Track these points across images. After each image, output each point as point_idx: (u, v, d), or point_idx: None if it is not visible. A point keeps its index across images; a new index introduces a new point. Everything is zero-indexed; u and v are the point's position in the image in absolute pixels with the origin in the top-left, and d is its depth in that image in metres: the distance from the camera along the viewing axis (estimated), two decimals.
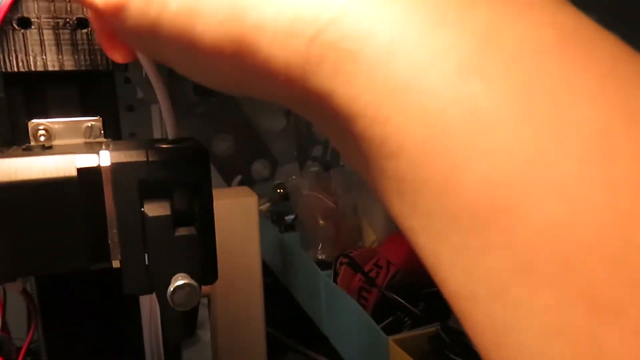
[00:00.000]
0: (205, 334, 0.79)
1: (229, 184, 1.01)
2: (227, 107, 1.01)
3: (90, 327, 0.29)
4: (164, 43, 0.17)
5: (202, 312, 0.81)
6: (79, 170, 0.23)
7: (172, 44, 0.16)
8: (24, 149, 0.25)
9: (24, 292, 0.26)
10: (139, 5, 0.17)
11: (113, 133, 0.29)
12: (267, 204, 0.91)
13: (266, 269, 0.71)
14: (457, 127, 0.11)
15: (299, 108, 0.16)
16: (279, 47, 0.14)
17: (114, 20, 0.18)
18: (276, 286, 0.80)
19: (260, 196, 0.92)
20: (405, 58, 0.12)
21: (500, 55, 0.11)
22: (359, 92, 0.12)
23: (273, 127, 1.06)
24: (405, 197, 0.12)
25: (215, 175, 0.98)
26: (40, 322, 0.27)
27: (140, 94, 0.79)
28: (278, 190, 0.92)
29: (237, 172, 1.04)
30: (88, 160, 0.23)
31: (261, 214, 0.82)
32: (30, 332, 0.26)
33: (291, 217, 0.85)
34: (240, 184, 1.00)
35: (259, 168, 1.03)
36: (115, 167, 0.23)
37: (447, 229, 0.12)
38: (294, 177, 0.81)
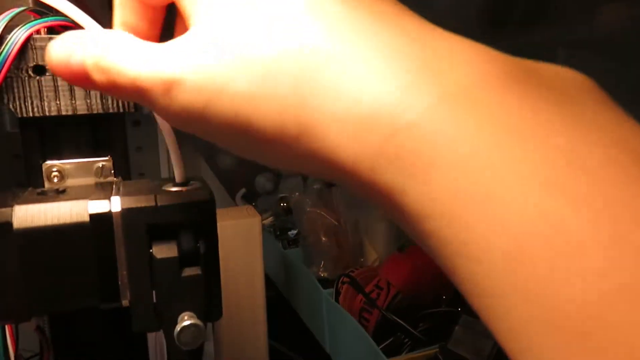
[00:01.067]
0: (209, 347, 0.80)
1: (232, 197, 1.02)
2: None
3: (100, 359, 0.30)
4: (215, 123, 0.16)
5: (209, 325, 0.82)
6: (91, 216, 0.24)
7: (225, 125, 0.16)
8: (39, 193, 0.26)
9: (38, 328, 0.27)
10: (194, 84, 0.16)
11: (123, 172, 0.30)
12: (271, 218, 0.92)
13: (269, 283, 0.72)
14: (543, 243, 0.11)
15: (359, 192, 0.15)
16: (349, 139, 0.14)
17: (157, 97, 0.17)
18: (279, 300, 0.81)
19: (263, 209, 0.93)
20: (488, 169, 0.12)
21: (583, 174, 0.12)
22: (435, 195, 0.13)
23: None
24: (480, 301, 0.13)
25: (219, 188, 1.00)
26: (52, 356, 0.28)
27: (146, 110, 0.80)
28: (281, 204, 0.93)
29: (241, 186, 1.05)
30: (100, 206, 0.24)
31: (264, 228, 0.83)
32: None
33: (294, 232, 0.86)
34: (244, 197, 1.01)
35: (263, 181, 1.04)
36: (126, 212, 0.24)
37: (533, 344, 0.12)
38: (297, 193, 0.82)
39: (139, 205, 0.24)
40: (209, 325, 0.84)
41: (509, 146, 0.12)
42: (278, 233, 0.86)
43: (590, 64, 0.37)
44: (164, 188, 0.26)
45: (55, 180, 0.28)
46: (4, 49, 0.25)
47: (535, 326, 0.11)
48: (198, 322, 0.25)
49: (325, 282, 0.67)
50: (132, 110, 0.29)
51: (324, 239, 0.74)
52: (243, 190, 1.03)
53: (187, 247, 0.25)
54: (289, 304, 0.78)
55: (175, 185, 0.27)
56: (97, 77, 0.18)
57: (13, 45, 0.25)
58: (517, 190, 0.12)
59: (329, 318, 0.63)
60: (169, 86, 0.16)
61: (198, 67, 0.16)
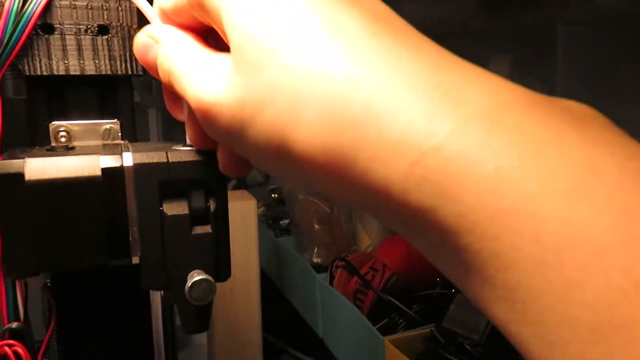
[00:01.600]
0: (200, 337, 0.79)
1: None
2: None
3: (102, 321, 0.30)
4: (252, 148, 0.18)
5: None
6: (103, 170, 0.24)
7: (261, 146, 0.18)
8: (48, 149, 0.26)
9: (45, 286, 0.27)
10: (232, 106, 0.18)
11: (130, 135, 0.30)
12: (262, 208, 0.92)
13: (261, 274, 0.72)
14: (570, 248, 0.12)
15: (391, 217, 0.16)
16: (380, 164, 0.15)
17: (201, 120, 0.19)
18: (271, 290, 0.81)
19: None
20: (514, 184, 0.13)
21: (601, 183, 0.13)
22: (465, 211, 0.14)
23: None
24: (514, 306, 0.14)
25: None
26: (55, 316, 0.28)
27: (137, 99, 0.80)
28: (272, 195, 0.93)
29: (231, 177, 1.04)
30: (112, 160, 0.24)
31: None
32: (52, 325, 0.27)
33: (286, 221, 0.86)
34: (235, 188, 1.01)
35: (253, 173, 1.04)
36: (138, 167, 0.24)
37: (561, 339, 0.13)
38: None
39: (151, 161, 0.24)
40: None
41: (532, 162, 0.13)
42: (270, 222, 0.86)
43: (587, 40, 0.38)
44: (173, 147, 0.26)
45: (63, 140, 0.28)
46: (28, 7, 0.25)
47: (564, 325, 0.13)
48: (209, 277, 0.25)
49: (318, 269, 0.67)
50: (141, 72, 0.29)
51: (317, 226, 0.74)
52: (234, 182, 1.03)
53: (197, 205, 0.25)
54: (280, 295, 0.78)
55: (184, 145, 0.27)
56: (163, 79, 0.21)
57: (37, 3, 0.25)
58: (543, 201, 0.13)
59: (322, 302, 0.63)
60: (207, 113, 0.19)
61: (232, 94, 0.18)
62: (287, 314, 0.76)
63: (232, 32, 0.18)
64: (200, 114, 0.19)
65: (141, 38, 0.22)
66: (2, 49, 0.26)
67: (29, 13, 0.25)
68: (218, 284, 0.26)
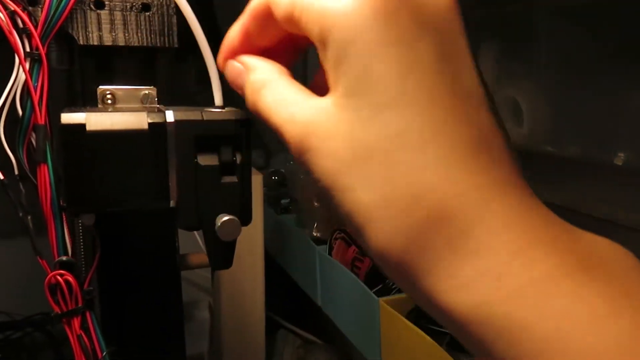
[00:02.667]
0: (202, 314, 0.83)
1: None
2: (224, 98, 1.06)
3: (135, 262, 0.35)
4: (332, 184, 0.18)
5: (201, 294, 0.85)
6: (150, 124, 0.28)
7: (342, 197, 0.18)
8: (100, 109, 0.30)
9: (95, 225, 0.31)
10: (331, 146, 0.18)
11: (164, 101, 0.34)
12: (264, 189, 0.96)
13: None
14: None
15: (467, 338, 0.17)
16: (448, 289, 0.17)
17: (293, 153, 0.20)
18: (271, 268, 0.85)
19: None
20: (577, 345, 0.15)
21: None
22: (523, 353, 0.15)
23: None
24: None
25: None
26: (99, 253, 0.32)
27: None
28: (273, 178, 0.97)
29: None
30: (156, 117, 0.29)
31: None
32: (96, 260, 0.32)
33: (286, 201, 0.90)
34: None
35: (254, 157, 1.08)
36: (178, 123, 0.29)
37: None
38: (291, 162, 0.87)
39: (189, 118, 0.29)
40: (203, 294, 0.87)
41: (587, 325, 0.15)
42: (271, 201, 0.90)
43: (567, 32, 0.43)
44: (206, 109, 0.31)
45: (109, 102, 0.32)
46: None
47: None
48: (235, 217, 0.29)
49: (318, 242, 0.72)
50: (176, 45, 0.33)
51: (316, 203, 0.78)
52: None
53: (226, 158, 0.30)
54: (281, 272, 0.82)
55: (215, 107, 0.31)
56: (250, 106, 0.21)
57: None
58: (601, 350, 0.15)
59: (321, 272, 0.68)
60: (301, 150, 0.19)
61: (333, 138, 0.18)
62: (286, 290, 0.80)
63: (342, 74, 0.18)
64: (294, 140, 0.19)
65: (233, 64, 0.23)
66: (50, 18, 0.30)
67: None
68: None
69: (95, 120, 0.27)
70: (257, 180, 0.63)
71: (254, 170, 0.65)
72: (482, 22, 0.47)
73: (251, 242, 0.66)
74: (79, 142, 0.27)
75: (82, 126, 0.27)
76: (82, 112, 0.28)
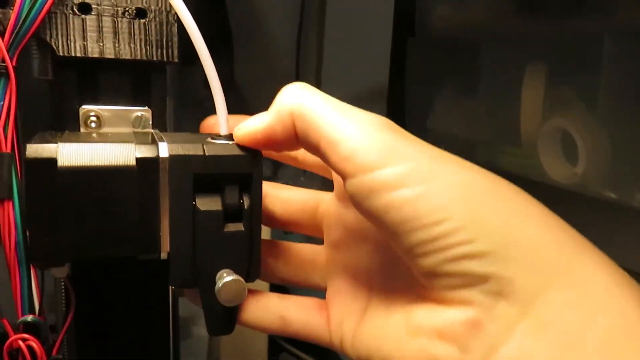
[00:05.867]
0: (200, 330, 0.78)
1: None
2: (234, 104, 1.01)
3: (119, 316, 0.29)
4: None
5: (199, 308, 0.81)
6: (138, 160, 0.23)
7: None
8: (79, 135, 0.25)
9: (68, 277, 0.26)
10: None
11: (160, 124, 0.29)
12: None
13: None
14: None
15: None
16: None
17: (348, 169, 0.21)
18: (275, 288, 0.80)
19: None
20: None
21: None
22: None
23: None
24: None
25: None
26: (74, 309, 0.27)
27: None
28: None
29: None
30: (147, 150, 0.23)
31: None
32: (69, 319, 0.26)
33: None
34: None
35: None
36: (173, 159, 0.23)
37: None
38: (302, 178, 0.81)
39: (187, 153, 0.23)
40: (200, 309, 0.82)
41: None
42: None
43: (636, 56, 0.37)
44: (207, 140, 0.25)
45: (93, 125, 0.27)
46: None
47: None
48: (240, 278, 0.24)
49: None
50: (176, 60, 0.28)
51: None
52: None
53: (231, 201, 0.24)
54: (284, 290, 0.77)
55: (218, 137, 0.26)
56: (298, 123, 0.22)
57: None
58: None
59: None
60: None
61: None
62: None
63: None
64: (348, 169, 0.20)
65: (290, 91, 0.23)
66: (20, 23, 0.24)
67: None
68: None
69: (69, 154, 0.22)
70: None
71: None
72: (528, 39, 0.41)
73: None
74: (48, 181, 0.22)
75: (52, 161, 0.22)
76: (55, 141, 0.22)
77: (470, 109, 0.48)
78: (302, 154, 0.28)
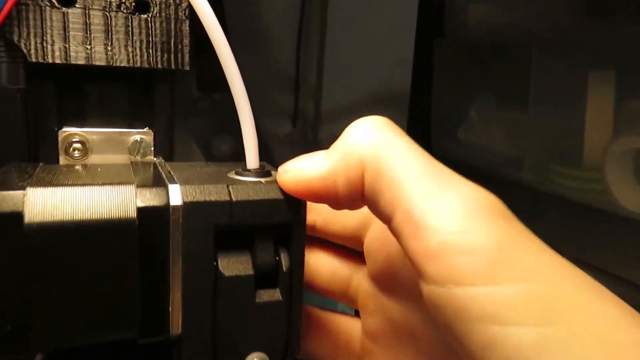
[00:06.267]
0: None
1: None
2: (230, 106, 0.95)
3: None
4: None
5: None
6: (140, 210, 0.16)
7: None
8: (56, 172, 0.18)
9: None
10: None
11: (164, 151, 0.22)
12: None
13: None
14: None
15: None
16: None
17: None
18: None
19: None
20: None
21: None
22: None
23: (278, 131, 1.00)
24: None
25: None
26: None
27: None
28: None
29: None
30: (152, 196, 0.17)
31: None
32: None
33: None
34: None
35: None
36: (189, 207, 0.17)
37: None
38: None
39: (208, 198, 0.17)
40: None
41: None
42: None
43: None
44: (231, 176, 0.19)
45: (76, 154, 0.20)
46: None
47: None
48: None
49: None
50: (187, 67, 0.21)
51: None
52: None
53: (265, 260, 0.18)
54: None
55: (246, 172, 0.19)
56: (370, 177, 0.16)
57: None
58: None
59: None
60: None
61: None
62: None
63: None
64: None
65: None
66: None
67: None
68: None
69: (41, 204, 0.15)
70: None
71: None
72: (592, 44, 0.35)
73: None
74: (12, 244, 0.15)
75: (16, 216, 0.15)
76: (22, 185, 0.16)
77: (514, 121, 0.42)
78: (321, 222, 0.22)
